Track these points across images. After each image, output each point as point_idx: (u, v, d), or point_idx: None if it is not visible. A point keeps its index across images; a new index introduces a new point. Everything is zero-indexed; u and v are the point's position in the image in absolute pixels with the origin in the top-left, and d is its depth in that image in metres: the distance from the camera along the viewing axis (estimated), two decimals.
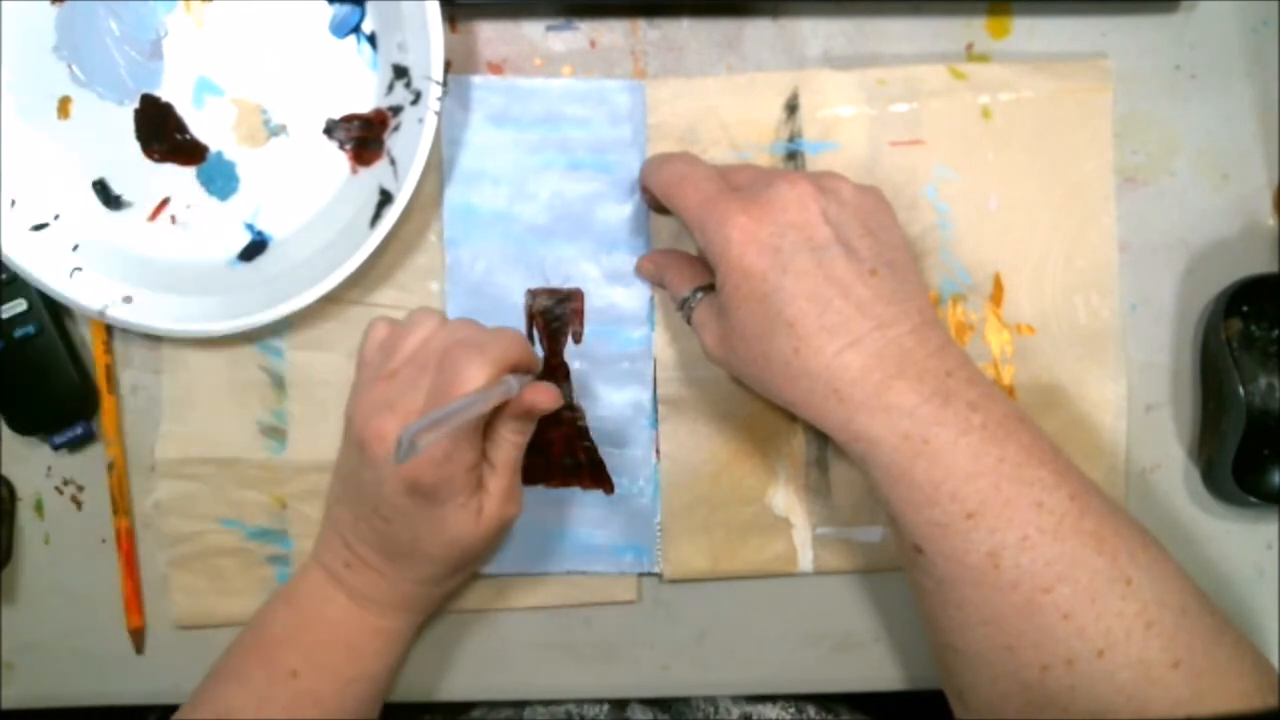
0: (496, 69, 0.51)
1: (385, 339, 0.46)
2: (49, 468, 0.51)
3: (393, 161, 0.48)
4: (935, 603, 0.40)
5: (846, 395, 0.39)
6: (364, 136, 0.49)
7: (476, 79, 0.50)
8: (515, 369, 0.43)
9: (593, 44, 0.51)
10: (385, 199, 0.48)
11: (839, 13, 0.51)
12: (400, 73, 0.48)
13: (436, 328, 0.45)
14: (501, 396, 0.41)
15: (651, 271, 0.49)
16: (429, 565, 0.45)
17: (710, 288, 0.45)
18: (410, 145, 0.47)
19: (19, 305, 0.50)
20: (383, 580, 0.45)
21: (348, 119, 0.49)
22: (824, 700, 0.54)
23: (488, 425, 0.44)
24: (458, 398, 0.40)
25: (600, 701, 0.53)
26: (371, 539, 0.45)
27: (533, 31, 0.51)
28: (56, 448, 0.50)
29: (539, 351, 0.50)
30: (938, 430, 0.38)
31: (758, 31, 0.51)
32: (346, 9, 0.49)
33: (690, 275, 0.46)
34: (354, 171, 0.50)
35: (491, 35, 0.51)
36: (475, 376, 0.41)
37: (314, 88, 0.49)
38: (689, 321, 0.46)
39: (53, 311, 0.50)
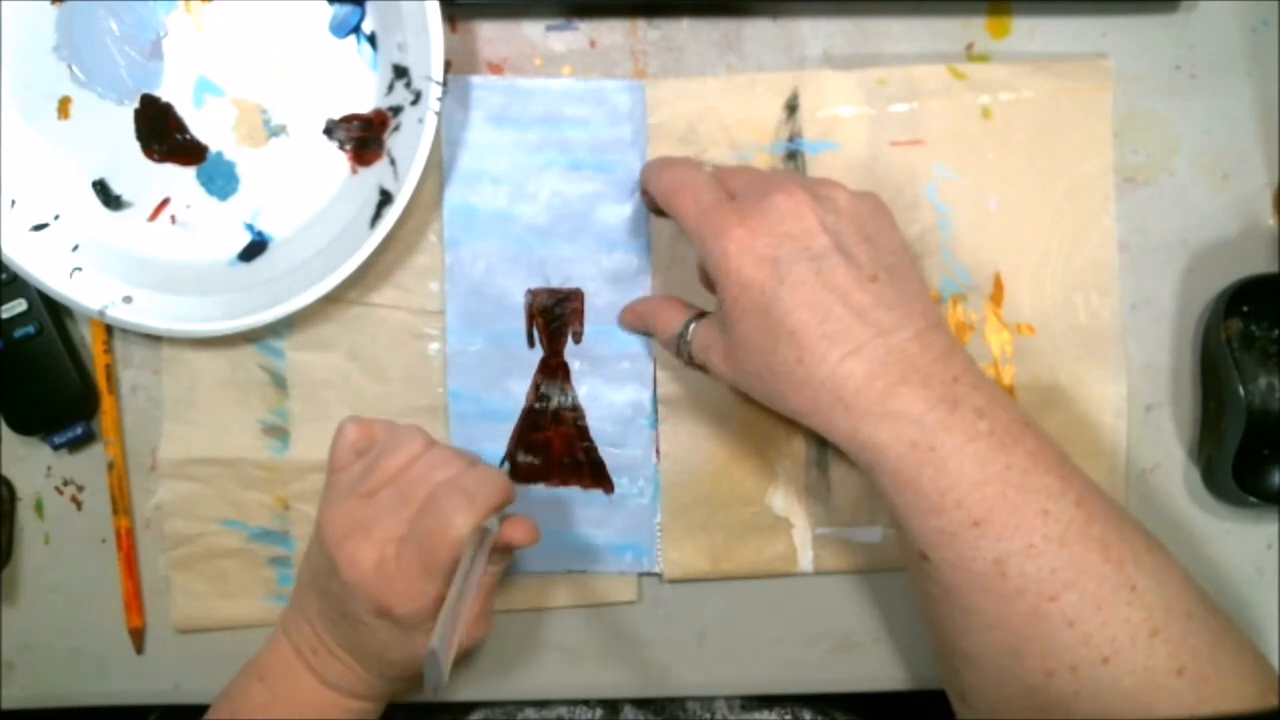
0: (496, 69, 0.51)
1: (358, 442, 0.46)
2: (49, 468, 0.51)
3: (393, 162, 0.48)
4: (940, 608, 0.40)
5: (851, 403, 0.39)
6: (364, 137, 0.49)
7: (476, 79, 0.50)
8: (498, 510, 0.43)
9: (593, 44, 0.51)
10: (385, 199, 0.48)
11: (839, 13, 0.50)
12: (400, 73, 0.48)
13: (420, 452, 0.44)
14: (487, 549, 0.42)
15: (634, 321, 0.50)
16: (395, 669, 0.45)
17: (700, 316, 0.45)
18: (410, 145, 0.47)
19: (19, 305, 0.50)
20: (349, 672, 0.45)
21: (348, 119, 0.49)
22: (820, 705, 0.54)
23: None
24: (442, 543, 0.41)
25: (592, 704, 0.53)
26: (339, 637, 0.45)
27: (533, 31, 0.51)
28: (56, 448, 0.50)
29: (539, 351, 0.50)
30: (944, 437, 0.38)
31: (758, 31, 0.51)
32: (346, 9, 0.49)
33: (676, 313, 0.46)
34: (354, 172, 0.49)
35: (491, 35, 0.50)
36: (462, 525, 0.41)
37: (314, 88, 0.49)
38: (688, 359, 0.46)
39: (53, 311, 0.50)
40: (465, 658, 0.50)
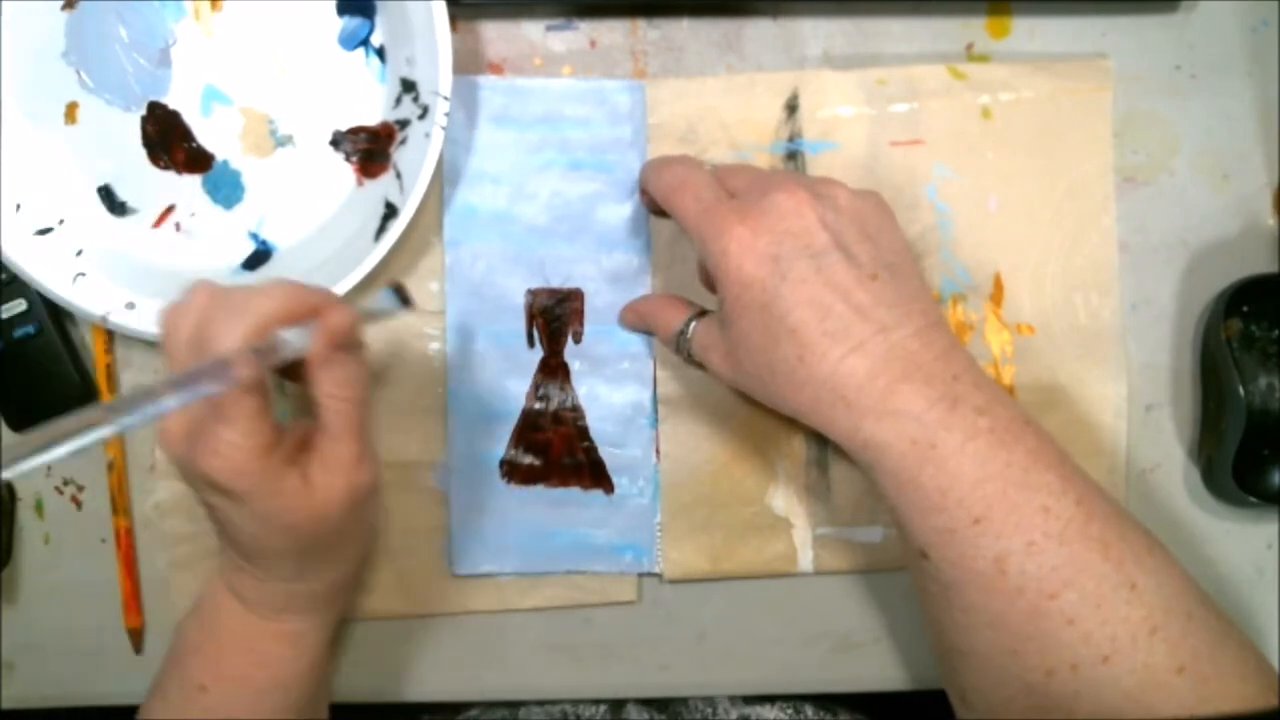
0: (497, 69, 0.51)
1: (168, 326, 0.39)
2: (49, 468, 0.51)
3: (398, 175, 0.48)
4: (940, 607, 0.40)
5: (853, 401, 0.39)
6: (370, 149, 0.49)
7: (477, 79, 0.50)
8: (290, 322, 0.37)
9: (593, 44, 0.51)
10: (390, 212, 0.48)
11: (839, 13, 0.51)
12: (408, 87, 0.48)
13: (205, 302, 0.38)
14: (267, 364, 0.36)
15: (634, 320, 0.50)
16: (281, 560, 0.41)
17: (701, 314, 0.45)
18: (416, 159, 0.47)
19: (19, 305, 0.50)
20: (258, 584, 0.42)
21: (354, 131, 0.49)
22: (823, 701, 0.54)
23: (310, 383, 0.39)
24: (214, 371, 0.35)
25: (597, 702, 0.53)
26: (229, 540, 0.41)
27: (533, 31, 0.51)
28: None
29: (539, 351, 0.50)
30: (945, 435, 0.38)
31: (758, 31, 0.51)
32: (356, 22, 0.49)
33: (676, 311, 0.46)
34: (359, 184, 0.50)
35: (492, 35, 0.51)
36: (227, 340, 0.36)
37: (322, 99, 0.49)
38: (688, 356, 0.46)
39: (53, 312, 0.50)
40: (361, 514, 0.42)
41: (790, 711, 0.53)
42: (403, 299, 0.42)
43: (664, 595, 0.51)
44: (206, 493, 0.39)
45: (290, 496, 0.38)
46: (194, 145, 0.50)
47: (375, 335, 0.50)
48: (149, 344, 0.50)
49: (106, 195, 0.50)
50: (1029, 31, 0.51)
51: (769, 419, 0.50)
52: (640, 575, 0.51)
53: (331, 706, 0.51)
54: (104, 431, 0.32)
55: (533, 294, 0.50)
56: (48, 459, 0.31)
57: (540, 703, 0.54)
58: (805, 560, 0.50)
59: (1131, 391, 0.50)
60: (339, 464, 0.39)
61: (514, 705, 0.54)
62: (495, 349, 0.50)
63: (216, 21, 0.49)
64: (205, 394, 0.35)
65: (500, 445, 0.50)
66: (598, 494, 0.50)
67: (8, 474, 0.30)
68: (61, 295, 0.48)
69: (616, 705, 0.53)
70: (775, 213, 0.40)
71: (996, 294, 0.50)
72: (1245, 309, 0.49)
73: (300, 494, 0.38)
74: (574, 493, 0.50)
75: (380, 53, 0.49)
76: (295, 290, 0.38)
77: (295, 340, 0.37)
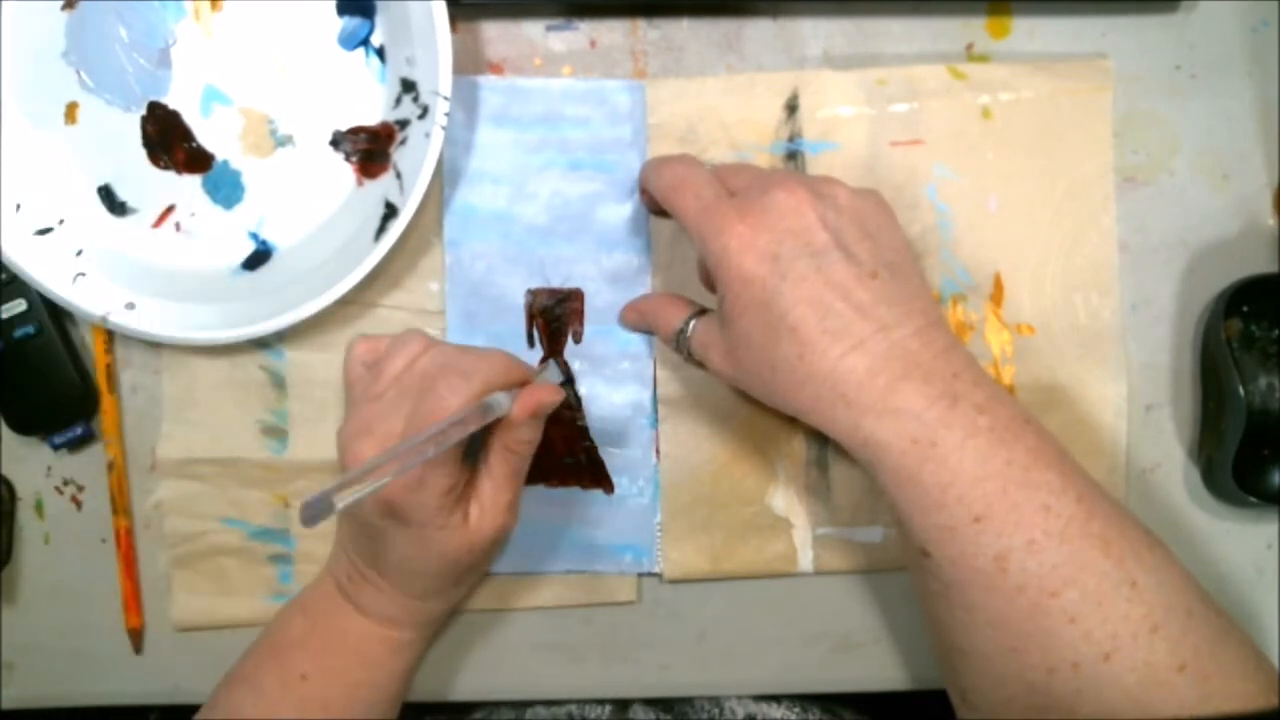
0: (496, 69, 0.51)
1: (366, 356, 0.46)
2: (49, 468, 0.51)
3: (398, 175, 0.48)
4: (941, 605, 0.40)
5: (853, 399, 0.39)
6: (370, 149, 0.49)
7: (477, 79, 0.50)
8: (503, 389, 0.42)
9: (593, 44, 0.51)
10: (390, 212, 0.48)
11: (839, 13, 0.51)
12: (408, 87, 0.48)
13: (421, 350, 0.44)
14: (480, 420, 0.41)
15: (635, 319, 0.50)
16: (421, 580, 0.45)
17: (701, 313, 0.45)
18: (416, 159, 0.47)
19: (19, 305, 0.50)
20: (381, 595, 0.45)
21: (354, 131, 0.49)
22: (827, 702, 0.54)
23: (488, 438, 0.44)
24: (432, 423, 0.40)
25: (602, 702, 0.53)
26: (367, 555, 0.45)
27: (533, 31, 0.51)
28: (56, 448, 0.50)
29: (539, 351, 0.50)
30: (945, 433, 0.38)
31: (758, 31, 0.51)
32: (356, 22, 0.49)
33: (677, 309, 0.46)
34: (359, 184, 0.50)
35: (492, 35, 0.51)
36: (452, 401, 0.41)
37: (322, 99, 0.49)
38: (688, 355, 0.46)
39: (53, 312, 0.50)
40: (496, 550, 0.48)
41: (797, 711, 0.53)
42: (566, 377, 0.50)
43: (664, 595, 0.51)
44: (379, 517, 0.42)
45: (453, 530, 0.43)
46: (194, 145, 0.50)
47: (375, 333, 0.50)
48: (149, 344, 0.50)
49: (106, 195, 0.50)
50: (1029, 31, 0.51)
51: (769, 419, 0.50)
52: (640, 575, 0.51)
53: None
54: (386, 480, 0.38)
55: (533, 294, 0.50)
56: (340, 507, 0.36)
57: (545, 703, 0.53)
58: (805, 560, 0.50)
59: (1131, 391, 0.50)
60: (496, 507, 0.44)
61: (519, 706, 0.54)
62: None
63: (216, 21, 0.49)
64: (450, 444, 0.40)
65: None
66: (598, 494, 0.50)
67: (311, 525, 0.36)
68: (61, 295, 0.48)
69: (621, 705, 0.53)
70: (775, 211, 0.40)
71: (996, 294, 0.50)
72: (1245, 309, 0.49)
73: (460, 529, 0.43)
74: (574, 493, 0.50)
75: (380, 53, 0.49)
76: (511, 363, 0.43)
77: (504, 403, 0.42)
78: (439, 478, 0.42)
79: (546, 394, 0.43)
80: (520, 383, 0.44)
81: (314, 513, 0.36)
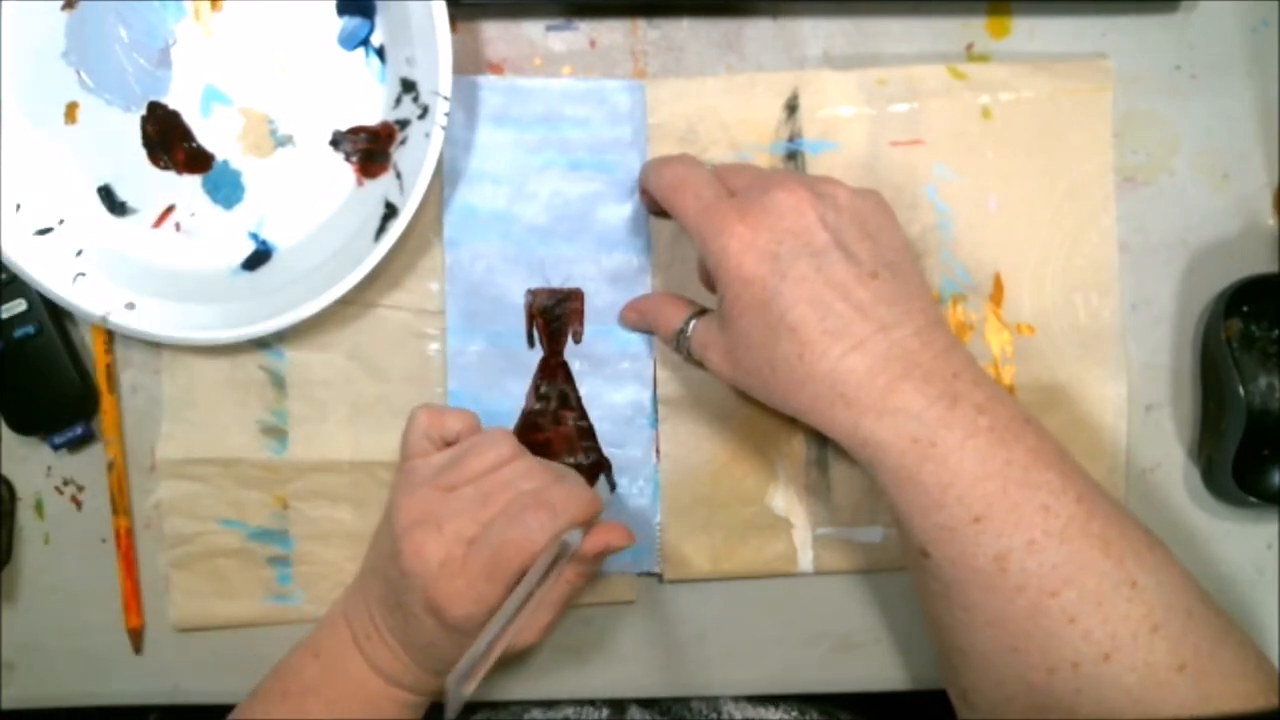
0: (496, 69, 0.51)
1: (430, 430, 0.46)
2: (49, 468, 0.51)
3: (398, 175, 0.48)
4: (941, 605, 0.40)
5: (853, 399, 0.39)
6: (370, 149, 0.49)
7: (477, 79, 0.50)
8: (580, 525, 0.43)
9: (593, 44, 0.51)
10: (390, 212, 0.47)
11: (839, 13, 0.51)
12: (408, 86, 0.48)
13: (509, 457, 0.44)
14: (555, 557, 0.41)
15: (635, 319, 0.50)
16: (442, 665, 0.44)
17: (701, 313, 0.45)
18: (416, 159, 0.47)
19: (19, 305, 0.50)
20: (398, 662, 0.45)
21: (354, 131, 0.49)
22: (826, 703, 0.54)
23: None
24: (516, 553, 0.41)
25: (599, 704, 0.53)
26: (395, 629, 0.45)
27: (533, 31, 0.51)
28: (56, 448, 0.50)
29: (539, 351, 0.50)
30: (945, 433, 0.38)
31: (758, 31, 0.51)
32: (356, 22, 0.49)
33: (677, 309, 0.46)
34: (359, 184, 0.49)
35: (492, 35, 0.51)
36: (540, 537, 0.41)
37: (322, 99, 0.49)
38: (688, 354, 0.46)
39: (53, 312, 0.50)
40: (508, 663, 0.49)
41: (794, 713, 0.53)
42: (611, 484, 0.50)
43: (664, 595, 0.51)
44: (423, 611, 0.42)
45: None
46: (194, 145, 0.50)
47: (375, 333, 0.50)
48: (149, 344, 0.50)
49: (106, 195, 0.50)
50: (1029, 31, 0.51)
51: (769, 419, 0.50)
52: (640, 575, 0.51)
53: None
54: (494, 633, 0.40)
55: (533, 294, 0.50)
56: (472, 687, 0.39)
57: (542, 704, 0.53)
58: (805, 560, 0.50)
59: (1131, 391, 0.50)
60: (535, 627, 0.45)
61: (517, 707, 0.54)
62: (495, 349, 0.50)
63: (216, 21, 0.49)
64: (529, 592, 0.41)
65: None
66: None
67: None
68: (61, 295, 0.48)
69: (618, 707, 0.53)
70: (775, 211, 0.40)
71: (996, 294, 0.50)
72: (1245, 309, 0.49)
73: None
74: None
75: (380, 53, 0.49)
76: (592, 498, 0.43)
77: (577, 539, 0.42)
78: (493, 598, 0.42)
79: (617, 537, 0.44)
80: (595, 515, 0.44)
81: (453, 707, 0.38)
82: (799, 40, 0.51)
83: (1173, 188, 0.51)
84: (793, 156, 0.50)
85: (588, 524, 0.43)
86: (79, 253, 0.49)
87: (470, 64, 0.50)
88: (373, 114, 0.49)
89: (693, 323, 0.45)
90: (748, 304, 0.40)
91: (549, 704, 0.54)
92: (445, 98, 0.46)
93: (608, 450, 0.50)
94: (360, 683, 0.45)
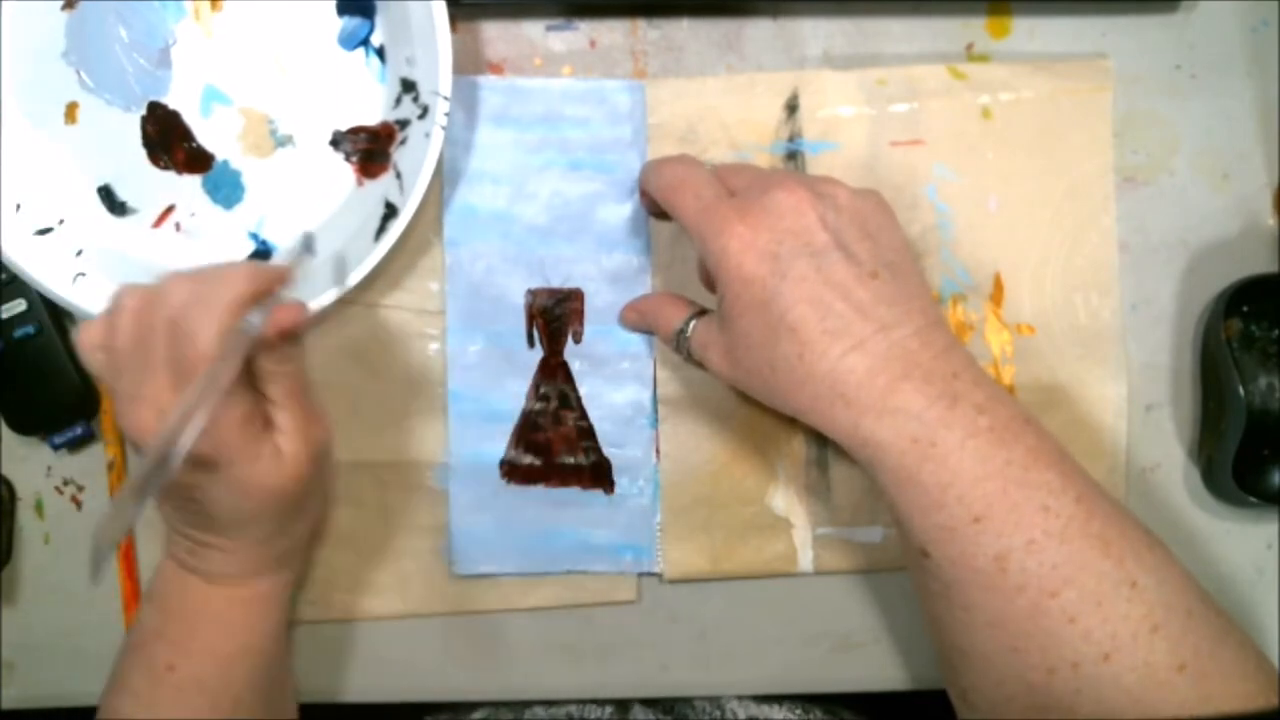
0: (496, 69, 0.51)
1: (96, 339, 0.40)
2: (49, 468, 0.51)
3: (398, 175, 0.48)
4: (941, 605, 0.40)
5: (853, 399, 0.39)
6: (370, 149, 0.49)
7: (477, 79, 0.50)
8: (254, 302, 0.39)
9: (593, 44, 0.51)
10: (390, 212, 0.47)
11: (839, 13, 0.51)
12: (408, 86, 0.48)
13: (144, 300, 0.39)
14: (244, 348, 0.38)
15: (636, 320, 0.50)
16: (258, 525, 0.43)
17: (701, 313, 0.45)
18: (416, 159, 0.47)
19: (19, 305, 0.50)
20: (226, 555, 0.43)
21: (354, 131, 0.49)
22: (828, 703, 0.54)
23: (251, 363, 0.41)
24: (200, 361, 0.37)
25: (602, 702, 0.53)
26: (197, 521, 0.43)
27: (533, 31, 0.51)
28: (56, 448, 0.50)
29: (539, 351, 0.50)
30: (945, 433, 0.38)
31: (758, 31, 0.51)
32: (356, 22, 0.49)
33: (677, 309, 0.46)
34: (359, 184, 0.49)
35: (492, 35, 0.51)
36: (210, 335, 0.37)
37: (322, 99, 0.49)
38: (688, 355, 0.46)
39: (53, 312, 0.50)
40: (323, 470, 0.45)
41: (799, 712, 0.53)
42: (307, 245, 0.45)
43: (664, 595, 0.51)
44: (190, 474, 0.40)
45: (267, 462, 0.41)
46: (194, 145, 0.50)
47: (375, 333, 0.50)
48: None
49: (106, 195, 0.50)
50: (1029, 31, 0.51)
51: (769, 419, 0.50)
52: (640, 575, 0.51)
53: (333, 706, 0.51)
54: (171, 467, 0.36)
55: (533, 294, 0.50)
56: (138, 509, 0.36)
57: (545, 703, 0.53)
58: (805, 560, 0.50)
59: (1131, 391, 0.50)
60: (297, 430, 0.42)
61: (519, 706, 0.54)
62: (495, 349, 0.50)
63: (216, 21, 0.49)
64: (226, 383, 0.38)
65: (500, 445, 0.50)
66: (598, 494, 0.50)
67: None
68: (61, 295, 0.48)
69: (622, 706, 0.53)
70: (776, 211, 0.40)
71: (996, 294, 0.50)
72: (1245, 309, 0.49)
73: (275, 460, 0.41)
74: (574, 493, 0.50)
75: (380, 53, 0.49)
76: (252, 271, 0.40)
77: (258, 321, 0.39)
78: (229, 411, 0.39)
79: (290, 314, 0.40)
80: (274, 285, 0.40)
81: (110, 539, 0.35)
82: (799, 40, 0.51)
83: (1173, 188, 0.51)
84: (793, 156, 0.50)
85: (264, 298, 0.39)
86: (79, 253, 0.49)
87: (470, 64, 0.50)
88: (373, 114, 0.49)
89: (693, 323, 0.45)
90: (748, 304, 0.40)
91: (550, 702, 0.54)
92: (445, 98, 0.46)
93: (608, 450, 0.50)
94: (202, 606, 0.44)
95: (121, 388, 0.40)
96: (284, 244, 0.45)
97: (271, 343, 0.40)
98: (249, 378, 0.41)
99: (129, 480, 0.35)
